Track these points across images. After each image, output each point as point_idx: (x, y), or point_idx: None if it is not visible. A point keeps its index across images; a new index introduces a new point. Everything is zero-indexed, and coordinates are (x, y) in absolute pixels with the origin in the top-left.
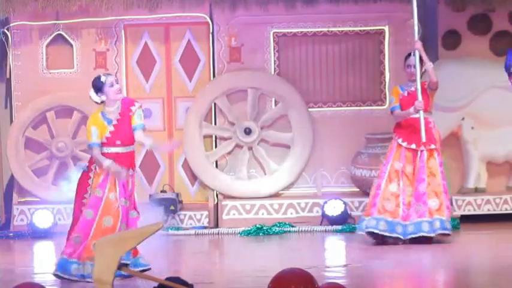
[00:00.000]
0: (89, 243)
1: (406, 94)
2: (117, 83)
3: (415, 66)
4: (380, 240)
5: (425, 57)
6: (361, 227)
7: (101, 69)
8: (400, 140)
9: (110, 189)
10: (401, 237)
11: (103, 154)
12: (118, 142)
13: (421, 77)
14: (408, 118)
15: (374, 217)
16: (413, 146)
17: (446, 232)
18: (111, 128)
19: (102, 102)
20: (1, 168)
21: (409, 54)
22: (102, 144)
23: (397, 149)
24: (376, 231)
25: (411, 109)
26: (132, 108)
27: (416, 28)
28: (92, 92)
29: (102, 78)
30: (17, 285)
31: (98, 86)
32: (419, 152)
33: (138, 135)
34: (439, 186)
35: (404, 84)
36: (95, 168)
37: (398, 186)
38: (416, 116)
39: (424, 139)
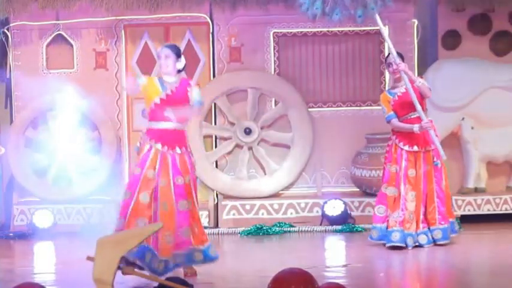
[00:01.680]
0: (127, 224)
1: (396, 98)
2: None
3: (393, 64)
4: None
5: (413, 77)
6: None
7: (101, 69)
8: (401, 144)
9: (148, 166)
10: (400, 244)
11: (150, 130)
12: (167, 114)
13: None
14: (407, 119)
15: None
16: (415, 148)
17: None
18: (163, 96)
19: (179, 71)
20: (1, 168)
21: (389, 54)
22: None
23: (396, 152)
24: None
25: (415, 127)
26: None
27: (394, 52)
28: (182, 59)
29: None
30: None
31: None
32: (421, 154)
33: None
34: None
35: (391, 88)
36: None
37: (396, 190)
38: (415, 116)
39: (444, 157)
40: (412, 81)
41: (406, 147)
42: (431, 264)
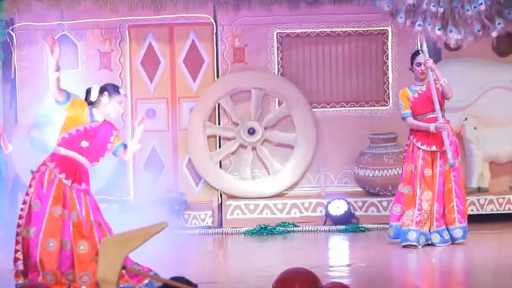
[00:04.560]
0: None
1: (416, 96)
2: (123, 108)
3: (423, 64)
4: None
5: (439, 75)
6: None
7: (105, 69)
8: (418, 144)
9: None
10: (416, 244)
11: (53, 154)
12: (84, 144)
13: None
14: (425, 119)
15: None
16: (433, 148)
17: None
18: (87, 127)
19: (92, 103)
20: (6, 167)
21: (417, 52)
22: (61, 142)
23: (413, 151)
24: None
25: (431, 126)
26: (112, 136)
27: (425, 48)
28: (96, 88)
29: (121, 91)
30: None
31: (111, 89)
32: (438, 154)
33: (123, 153)
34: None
35: (413, 85)
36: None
37: (412, 189)
38: (433, 115)
39: (450, 161)
40: (436, 80)
41: (424, 147)
42: (434, 264)
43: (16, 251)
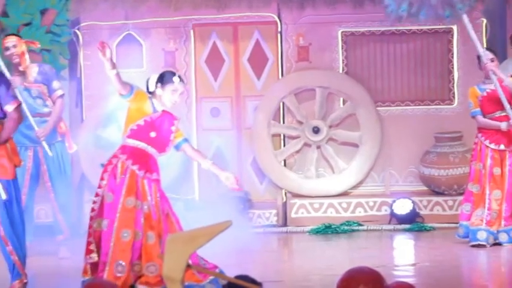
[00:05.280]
0: None
1: (485, 94)
2: (179, 96)
3: (493, 60)
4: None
5: (501, 76)
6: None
7: (170, 68)
8: (487, 142)
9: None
10: (485, 243)
11: (123, 147)
12: (152, 135)
13: None
14: (494, 117)
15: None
16: (501, 147)
17: None
18: (153, 117)
19: (151, 94)
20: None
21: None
22: (130, 134)
23: (482, 150)
24: (458, 238)
25: (503, 125)
26: (173, 126)
27: (481, 50)
28: (154, 78)
29: (175, 79)
30: (88, 282)
31: (163, 78)
32: (507, 153)
33: (188, 149)
34: None
35: (481, 83)
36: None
37: (480, 188)
38: (503, 114)
39: None
40: (500, 80)
41: (492, 145)
42: (501, 264)
43: (89, 243)
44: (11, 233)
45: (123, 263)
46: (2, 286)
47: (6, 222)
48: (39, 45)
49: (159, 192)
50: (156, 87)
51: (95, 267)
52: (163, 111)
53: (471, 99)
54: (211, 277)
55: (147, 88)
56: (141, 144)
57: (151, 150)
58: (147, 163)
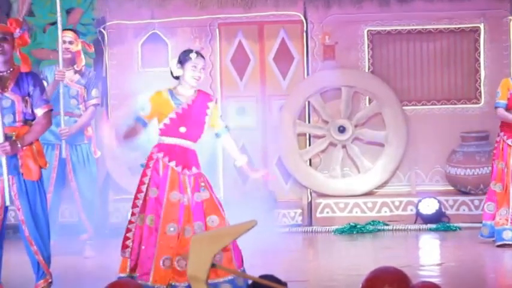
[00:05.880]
0: None
1: None
2: (201, 71)
3: None
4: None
5: None
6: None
7: None
8: (509, 141)
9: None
10: (511, 243)
11: (158, 145)
12: (182, 130)
13: None
14: None
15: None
16: None
17: None
18: (178, 111)
19: (177, 78)
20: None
21: None
22: (161, 133)
23: (504, 149)
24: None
25: None
26: (210, 104)
27: None
28: (173, 62)
29: (192, 55)
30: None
31: (181, 58)
32: None
33: (228, 141)
34: None
35: None
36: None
37: (504, 187)
38: None
39: None
40: None
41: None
42: None
43: (126, 238)
44: (35, 233)
45: (169, 258)
46: (27, 286)
47: (30, 222)
48: (93, 50)
49: (196, 185)
50: (177, 69)
51: (135, 264)
52: (198, 91)
53: (501, 89)
54: (230, 277)
55: (172, 75)
56: (175, 140)
57: (186, 143)
58: (184, 158)
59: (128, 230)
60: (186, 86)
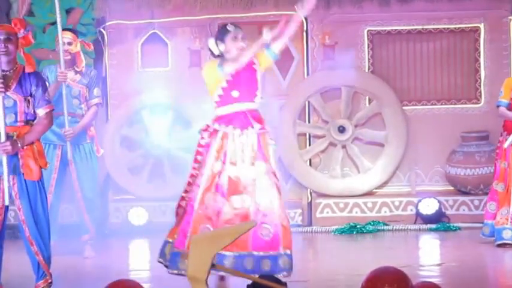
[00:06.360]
0: None
1: None
2: (243, 40)
3: None
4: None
5: None
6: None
7: (195, 67)
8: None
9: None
10: (511, 242)
11: (217, 117)
12: (234, 94)
13: None
14: None
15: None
16: None
17: None
18: (229, 79)
19: (221, 55)
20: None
21: None
22: (217, 105)
23: (506, 148)
24: (483, 237)
25: None
26: (254, 65)
27: None
28: (211, 42)
29: (230, 27)
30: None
31: (219, 34)
32: None
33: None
34: None
35: None
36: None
37: (505, 187)
38: None
39: None
40: None
41: None
42: None
43: (179, 206)
44: (36, 233)
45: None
46: (27, 286)
47: (31, 222)
48: (92, 48)
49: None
50: (218, 47)
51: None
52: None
53: (504, 88)
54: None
55: (213, 54)
56: (232, 107)
57: (243, 106)
58: (245, 120)
59: (179, 206)
60: (229, 60)
